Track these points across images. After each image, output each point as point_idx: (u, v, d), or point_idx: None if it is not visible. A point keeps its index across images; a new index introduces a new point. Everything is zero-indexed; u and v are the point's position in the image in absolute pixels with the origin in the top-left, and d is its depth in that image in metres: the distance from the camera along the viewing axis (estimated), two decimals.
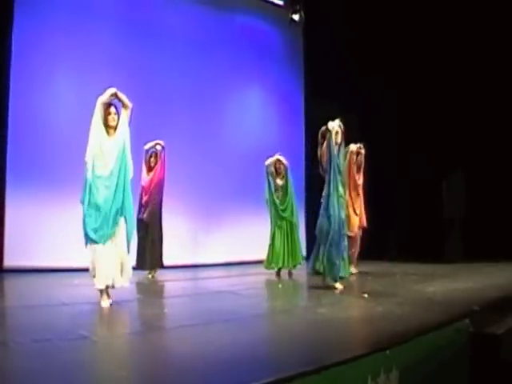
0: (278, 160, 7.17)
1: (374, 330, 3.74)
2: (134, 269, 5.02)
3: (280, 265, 7.07)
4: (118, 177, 4.44)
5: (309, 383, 2.47)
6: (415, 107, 9.73)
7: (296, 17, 10.15)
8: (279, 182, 7.18)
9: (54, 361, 2.76)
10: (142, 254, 6.88)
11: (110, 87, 4.50)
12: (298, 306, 5.16)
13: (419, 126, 9.68)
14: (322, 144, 5.76)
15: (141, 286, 6.16)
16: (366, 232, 7.69)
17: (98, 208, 4.34)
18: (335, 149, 5.68)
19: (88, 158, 4.39)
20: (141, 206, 6.97)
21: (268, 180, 7.18)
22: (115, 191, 4.41)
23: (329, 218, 5.59)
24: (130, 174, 4.57)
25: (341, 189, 5.68)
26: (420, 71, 9.62)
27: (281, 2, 10.65)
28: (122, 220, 4.45)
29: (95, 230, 4.32)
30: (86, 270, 4.53)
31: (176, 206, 8.13)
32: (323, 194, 5.70)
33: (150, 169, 7.11)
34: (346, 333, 3.68)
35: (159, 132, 7.45)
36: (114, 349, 3.20)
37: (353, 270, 7.37)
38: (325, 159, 5.71)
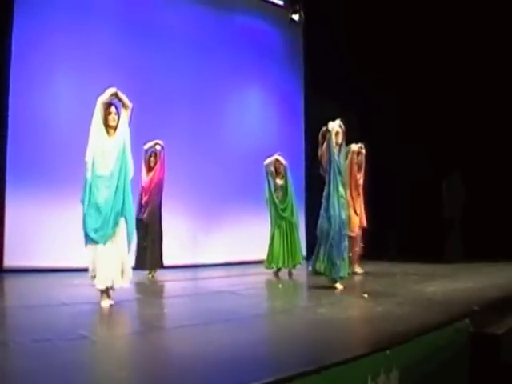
0: (277, 160, 7.17)
1: (374, 330, 3.74)
2: (133, 269, 5.03)
3: (280, 265, 7.07)
4: (119, 177, 4.43)
5: (309, 383, 2.47)
6: (415, 107, 9.73)
7: (296, 17, 10.15)
8: (279, 181, 7.18)
9: (54, 361, 2.76)
10: (141, 254, 6.88)
11: (109, 87, 4.50)
12: (298, 306, 5.15)
13: (419, 125, 9.68)
14: (323, 144, 5.76)
15: (141, 286, 6.16)
16: (366, 232, 7.69)
17: (98, 208, 4.34)
18: (335, 149, 5.68)
19: (88, 157, 4.39)
20: (141, 206, 6.97)
21: (268, 180, 7.19)
22: (116, 191, 4.41)
23: (329, 218, 5.59)
24: (131, 173, 4.57)
25: (341, 189, 5.68)
26: (420, 71, 9.63)
27: (281, 2, 10.66)
28: (122, 220, 4.45)
29: (95, 230, 4.32)
30: (85, 270, 4.52)
31: (176, 205, 8.13)
32: (323, 194, 5.70)
33: (149, 169, 7.11)
34: (346, 333, 3.68)
35: (159, 132, 7.45)
36: (114, 349, 3.20)
37: (358, 269, 7.39)
38: (325, 160, 5.71)
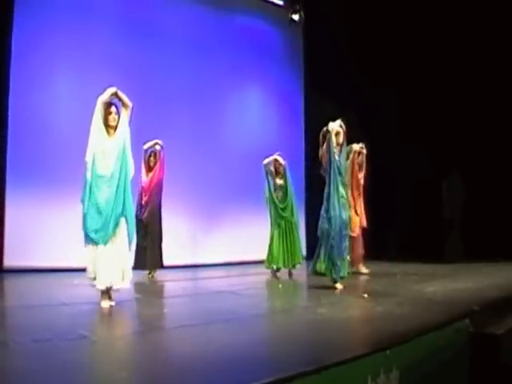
0: (276, 160, 7.17)
1: (374, 330, 3.74)
2: (133, 269, 5.02)
3: (280, 265, 7.07)
4: (119, 177, 4.42)
5: (309, 383, 2.47)
6: (415, 107, 9.73)
7: (296, 17, 10.15)
8: (278, 181, 7.18)
9: (54, 361, 2.76)
10: (141, 254, 6.87)
11: (109, 87, 4.50)
12: (298, 306, 5.15)
13: (419, 125, 9.68)
14: (323, 145, 5.77)
15: (140, 286, 6.16)
16: (366, 232, 7.69)
17: (99, 208, 4.33)
18: (336, 149, 5.68)
19: (88, 157, 4.38)
20: (140, 206, 6.96)
21: (267, 179, 7.19)
22: (116, 191, 4.40)
23: (329, 219, 5.59)
24: (131, 173, 4.56)
25: (341, 189, 5.68)
26: (420, 71, 9.63)
27: (281, 2, 10.66)
28: (122, 220, 4.44)
29: (96, 231, 4.30)
30: (85, 270, 4.52)
31: (176, 205, 8.13)
32: (324, 194, 5.71)
33: (149, 169, 7.10)
34: (346, 333, 3.68)
35: (159, 132, 7.45)
36: (114, 349, 3.19)
37: (363, 269, 7.38)
38: (325, 160, 5.72)
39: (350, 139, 6.55)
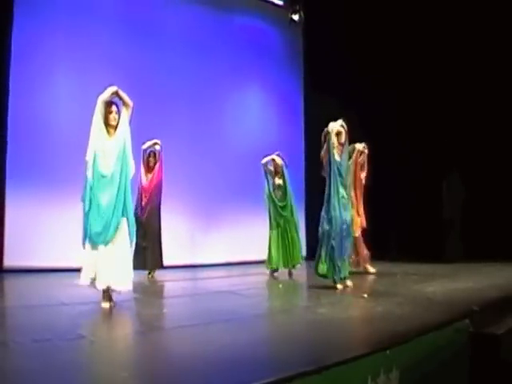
0: (273, 159, 7.18)
1: (374, 330, 3.74)
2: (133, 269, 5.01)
3: (280, 265, 7.07)
4: (120, 177, 4.41)
5: (309, 383, 2.47)
6: (415, 107, 9.73)
7: (296, 17, 10.15)
8: (277, 181, 7.17)
9: (54, 361, 2.76)
10: (141, 254, 6.86)
11: (110, 86, 4.48)
12: (298, 306, 5.16)
13: (419, 125, 9.68)
14: (324, 146, 5.77)
15: (140, 286, 6.14)
16: (366, 232, 7.68)
17: (100, 209, 4.30)
18: (335, 150, 5.67)
19: (89, 157, 4.37)
20: (140, 207, 6.95)
21: (267, 179, 7.19)
22: (117, 192, 4.37)
23: (330, 219, 5.60)
24: (131, 173, 4.55)
25: (341, 190, 5.68)
26: (420, 71, 9.63)
27: (280, 2, 10.66)
28: (123, 221, 4.42)
29: (98, 232, 4.28)
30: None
31: (175, 205, 8.13)
32: (324, 195, 5.71)
33: (148, 169, 7.08)
34: (346, 333, 3.67)
35: (158, 132, 7.44)
36: (113, 349, 3.19)
37: (371, 269, 7.37)
38: (326, 161, 5.72)
39: (350, 139, 6.55)
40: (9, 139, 7.31)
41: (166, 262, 7.16)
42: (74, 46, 7.83)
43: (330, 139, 5.62)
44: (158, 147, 7.08)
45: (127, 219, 4.45)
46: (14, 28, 7.43)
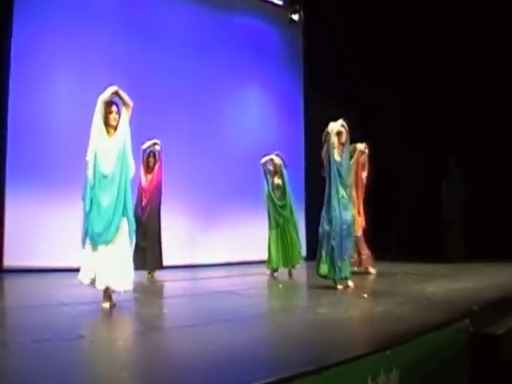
0: (272, 159, 7.18)
1: (374, 330, 3.74)
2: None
3: (280, 265, 7.07)
4: (120, 177, 4.40)
5: (309, 383, 2.47)
6: (415, 107, 9.73)
7: (295, 17, 10.15)
8: (276, 180, 7.17)
9: (54, 361, 2.76)
10: (141, 254, 6.85)
11: (110, 86, 4.47)
12: (298, 306, 5.15)
13: (419, 125, 9.68)
14: (325, 146, 5.77)
15: (140, 286, 6.14)
16: (366, 232, 7.67)
17: (101, 209, 4.29)
18: (335, 150, 5.68)
19: (89, 157, 4.35)
20: (140, 207, 6.95)
21: (266, 178, 7.20)
22: (118, 193, 4.37)
23: (330, 220, 5.60)
24: (131, 173, 4.55)
25: (341, 190, 5.68)
26: (420, 71, 9.63)
27: (280, 2, 10.65)
28: (123, 220, 4.42)
29: (98, 231, 4.26)
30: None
31: (175, 205, 8.13)
32: (324, 196, 5.71)
33: (148, 169, 7.07)
34: (346, 333, 3.67)
35: (158, 132, 7.44)
36: (113, 349, 3.19)
37: (371, 269, 7.35)
38: (326, 161, 5.72)
39: (351, 139, 6.55)
40: (9, 139, 7.31)
41: (165, 262, 7.17)
42: (74, 46, 7.83)
43: (329, 139, 5.62)
44: (157, 147, 7.08)
45: (127, 219, 4.45)
46: (14, 28, 7.43)
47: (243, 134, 9.80)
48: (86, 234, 4.32)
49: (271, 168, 7.19)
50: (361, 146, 7.35)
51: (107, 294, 4.38)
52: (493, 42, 9.09)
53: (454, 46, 9.35)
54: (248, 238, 8.99)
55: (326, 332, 3.58)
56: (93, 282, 4.31)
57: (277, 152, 7.27)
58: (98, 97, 4.38)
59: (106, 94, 4.39)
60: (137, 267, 6.57)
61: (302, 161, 10.71)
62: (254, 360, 2.81)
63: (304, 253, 8.61)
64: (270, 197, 7.13)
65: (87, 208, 4.32)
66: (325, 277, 5.67)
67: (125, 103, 4.49)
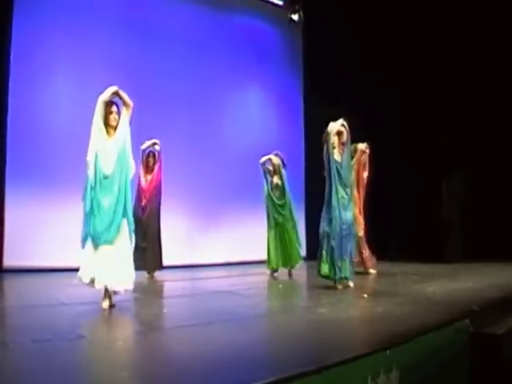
0: (270, 159, 7.19)
1: (374, 330, 3.74)
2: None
3: (280, 265, 7.07)
4: (120, 178, 4.40)
5: (309, 383, 2.47)
6: (415, 107, 9.74)
7: (295, 17, 10.14)
8: (275, 180, 7.18)
9: (54, 361, 2.76)
10: (141, 254, 6.85)
11: (110, 86, 4.46)
12: (298, 306, 5.15)
13: (419, 126, 9.69)
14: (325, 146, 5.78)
15: (140, 286, 6.13)
16: (366, 232, 7.66)
17: (101, 209, 4.28)
18: (335, 150, 5.69)
19: (90, 157, 4.34)
20: (140, 207, 6.94)
21: (265, 178, 7.20)
22: (118, 193, 4.36)
23: (330, 220, 5.60)
24: (131, 173, 4.54)
25: (341, 190, 5.68)
26: (420, 71, 9.63)
27: (280, 2, 10.66)
28: (123, 221, 4.41)
29: (99, 232, 4.25)
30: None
31: (175, 205, 8.14)
32: (325, 196, 5.72)
33: (147, 169, 7.07)
34: (346, 333, 3.67)
35: (158, 132, 7.45)
36: (113, 349, 3.19)
37: (371, 270, 7.33)
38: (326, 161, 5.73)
39: (351, 140, 6.55)
40: (9, 139, 7.31)
41: (165, 262, 7.17)
42: (74, 46, 7.83)
43: (329, 139, 5.63)
44: (157, 147, 7.07)
45: (127, 219, 4.45)
46: (14, 28, 7.43)
47: (243, 134, 9.80)
48: (86, 235, 4.32)
49: (270, 168, 7.20)
50: (362, 146, 7.35)
51: (107, 293, 4.38)
52: (491, 39, 9.09)
53: (455, 44, 9.35)
54: (248, 237, 8.99)
55: (326, 332, 3.58)
56: (92, 282, 4.30)
57: (276, 152, 7.28)
58: (97, 97, 4.37)
59: (106, 94, 4.38)
60: (137, 267, 6.56)
61: (302, 161, 10.71)
62: (254, 360, 2.81)
63: (304, 253, 8.60)
64: (269, 196, 7.14)
65: (88, 208, 4.31)
66: (326, 277, 5.66)
67: (125, 103, 4.48)
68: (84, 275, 4.30)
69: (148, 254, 6.90)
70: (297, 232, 7.24)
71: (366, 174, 7.51)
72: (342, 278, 5.64)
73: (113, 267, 4.29)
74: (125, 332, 3.83)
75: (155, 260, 7.02)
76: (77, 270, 4.35)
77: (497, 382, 3.79)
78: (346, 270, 5.68)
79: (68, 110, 7.65)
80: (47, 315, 4.14)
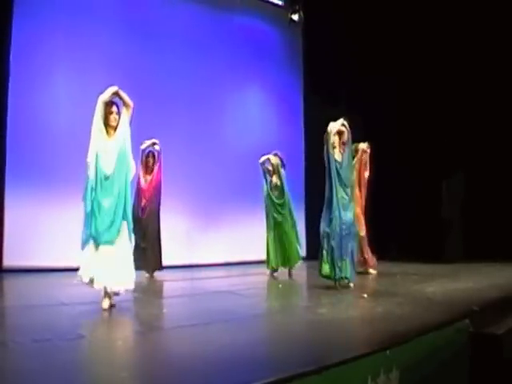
0: (268, 159, 7.19)
1: (374, 330, 3.74)
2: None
3: (279, 264, 7.07)
4: (120, 178, 4.40)
5: (309, 383, 2.47)
6: (415, 107, 9.73)
7: (295, 17, 10.15)
8: (275, 180, 7.18)
9: (54, 361, 2.76)
10: (141, 255, 6.84)
11: (110, 86, 4.46)
12: (298, 306, 5.15)
13: (419, 126, 9.68)
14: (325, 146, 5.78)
15: (140, 286, 6.13)
16: (368, 232, 7.65)
17: (102, 209, 4.27)
18: (335, 150, 5.69)
19: (90, 158, 4.33)
20: (140, 207, 6.94)
21: (265, 177, 7.21)
22: (118, 193, 4.36)
23: (330, 220, 5.61)
24: (131, 173, 4.54)
25: (341, 190, 5.68)
26: (420, 72, 9.63)
27: (280, 2, 10.66)
28: (124, 222, 4.40)
29: (100, 232, 4.25)
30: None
31: (175, 205, 8.14)
32: (325, 196, 5.72)
33: (147, 170, 7.06)
34: (346, 333, 3.67)
35: (158, 132, 7.44)
36: (113, 349, 3.19)
37: (371, 270, 7.32)
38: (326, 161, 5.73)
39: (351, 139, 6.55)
40: (8, 139, 7.31)
41: (165, 262, 7.17)
42: (74, 46, 7.83)
43: (329, 139, 5.63)
44: (156, 147, 7.07)
45: (127, 220, 4.44)
46: (14, 28, 7.43)
47: (243, 134, 9.80)
48: (87, 236, 4.30)
49: (270, 167, 7.20)
50: (363, 146, 7.35)
51: (107, 293, 4.37)
52: (492, 39, 9.08)
53: (455, 44, 9.33)
54: (247, 237, 8.99)
55: (326, 332, 3.58)
56: (92, 281, 4.30)
57: (275, 152, 7.28)
58: (97, 97, 4.36)
59: (106, 95, 4.37)
60: (136, 267, 6.57)
61: (301, 161, 10.71)
62: (254, 360, 2.81)
63: (304, 253, 8.60)
64: (268, 196, 7.14)
65: (88, 208, 4.30)
66: (327, 277, 5.67)
67: (125, 104, 4.48)
68: (84, 274, 4.29)
69: (148, 254, 6.90)
70: (296, 232, 7.23)
71: (367, 174, 7.51)
72: (342, 277, 5.64)
73: (113, 267, 4.28)
74: (124, 332, 3.83)
75: (155, 260, 7.02)
76: (77, 269, 4.35)
77: (497, 382, 3.79)
78: (347, 269, 5.68)
79: (68, 110, 7.65)
80: (47, 315, 4.14)
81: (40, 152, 7.48)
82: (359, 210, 7.06)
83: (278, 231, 7.08)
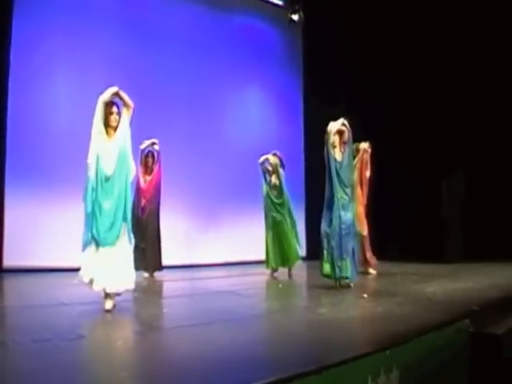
0: (267, 159, 7.19)
1: (374, 330, 3.74)
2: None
3: (278, 264, 7.07)
4: (120, 178, 4.39)
5: (309, 383, 2.47)
6: (415, 107, 9.72)
7: (295, 17, 10.15)
8: (274, 180, 7.19)
9: (54, 361, 2.76)
10: (140, 254, 6.84)
11: (110, 86, 4.45)
12: (298, 306, 5.15)
13: (419, 126, 9.67)
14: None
15: (140, 286, 6.13)
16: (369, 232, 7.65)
17: (103, 210, 4.26)
18: (335, 150, 5.70)
19: (91, 159, 4.32)
20: (139, 208, 6.93)
21: (264, 177, 7.22)
22: (119, 194, 4.35)
23: (330, 220, 5.61)
24: (131, 174, 4.53)
25: (341, 190, 5.69)
26: (420, 72, 9.62)
27: (280, 2, 10.66)
28: (124, 223, 4.40)
29: (101, 233, 4.24)
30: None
31: (174, 205, 8.14)
32: (325, 195, 5.72)
33: (146, 170, 7.05)
34: (346, 333, 3.67)
35: (157, 132, 7.44)
36: (113, 349, 3.19)
37: (371, 270, 7.31)
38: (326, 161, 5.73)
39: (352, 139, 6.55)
40: (8, 139, 7.31)
41: (165, 262, 7.17)
42: (74, 46, 7.83)
43: (329, 139, 5.63)
44: (156, 147, 7.06)
45: (127, 221, 4.44)
46: (14, 28, 7.43)
47: (243, 134, 9.80)
48: (89, 238, 4.29)
49: (269, 167, 7.20)
50: (365, 145, 7.35)
51: (108, 294, 4.37)
52: (492, 40, 9.08)
53: (455, 44, 9.33)
54: (247, 237, 8.98)
55: (326, 332, 3.58)
56: (91, 282, 4.30)
57: (274, 151, 7.28)
58: (97, 97, 4.34)
59: (106, 95, 4.35)
60: (136, 267, 6.56)
61: (301, 161, 10.71)
62: (254, 360, 2.81)
63: (304, 253, 8.60)
64: (267, 195, 7.14)
65: (89, 209, 4.29)
66: (328, 276, 5.68)
67: (125, 104, 4.46)
68: (85, 274, 4.29)
69: (147, 254, 6.89)
70: (296, 232, 7.22)
71: (368, 173, 7.51)
72: (342, 277, 5.64)
73: (113, 268, 4.27)
74: (124, 332, 3.82)
75: (155, 260, 7.01)
76: (77, 270, 4.35)
77: (497, 382, 3.79)
78: (347, 269, 5.68)
79: (68, 110, 7.64)
80: (47, 315, 4.14)
81: (40, 152, 7.47)
82: (361, 210, 7.07)
83: (277, 231, 7.08)
